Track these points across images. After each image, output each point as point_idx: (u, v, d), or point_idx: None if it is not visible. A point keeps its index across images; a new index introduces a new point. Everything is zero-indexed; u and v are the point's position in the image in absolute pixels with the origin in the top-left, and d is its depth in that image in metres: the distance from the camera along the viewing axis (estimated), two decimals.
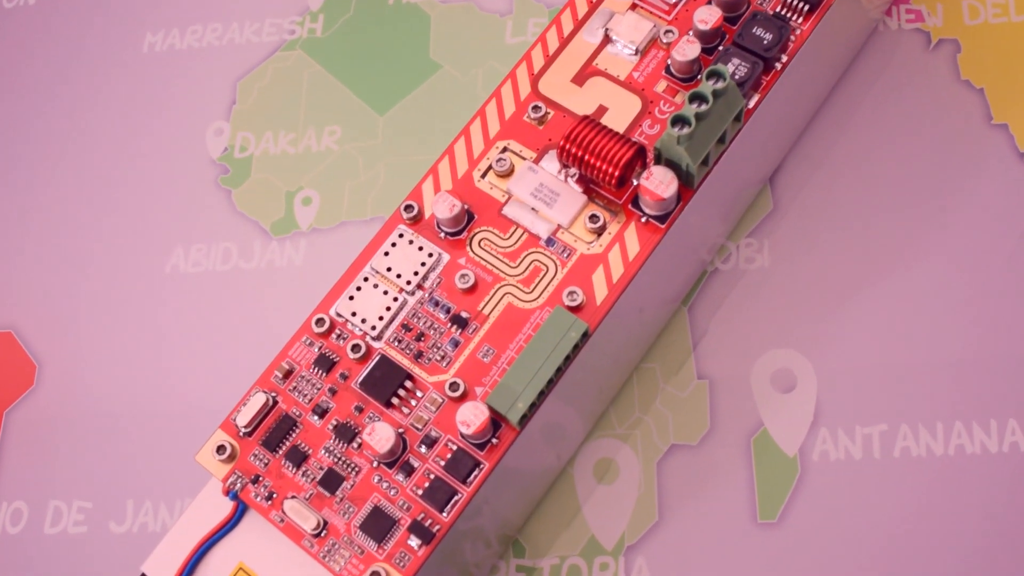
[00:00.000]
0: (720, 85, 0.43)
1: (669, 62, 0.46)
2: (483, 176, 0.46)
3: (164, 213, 0.59)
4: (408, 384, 0.43)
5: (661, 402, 0.52)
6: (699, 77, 0.46)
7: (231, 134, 0.60)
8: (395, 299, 0.44)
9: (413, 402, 0.43)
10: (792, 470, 0.50)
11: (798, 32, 0.46)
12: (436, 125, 0.58)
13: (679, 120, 0.42)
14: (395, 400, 0.43)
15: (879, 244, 0.53)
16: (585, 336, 0.42)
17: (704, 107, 0.42)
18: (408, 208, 0.45)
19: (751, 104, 0.46)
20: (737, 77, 0.45)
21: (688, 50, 0.45)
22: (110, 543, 0.53)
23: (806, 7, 0.47)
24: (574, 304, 0.43)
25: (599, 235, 0.44)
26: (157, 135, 0.61)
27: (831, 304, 0.53)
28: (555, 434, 0.47)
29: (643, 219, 0.44)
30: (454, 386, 0.42)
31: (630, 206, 0.44)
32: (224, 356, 0.55)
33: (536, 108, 0.46)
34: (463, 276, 0.44)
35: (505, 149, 0.46)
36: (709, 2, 0.47)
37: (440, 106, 0.59)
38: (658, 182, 0.43)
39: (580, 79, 0.47)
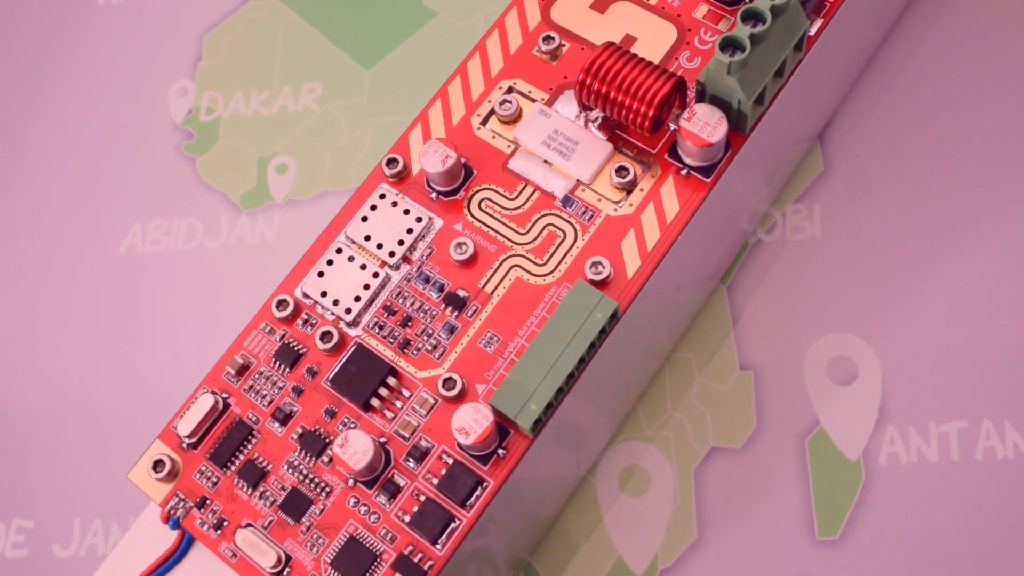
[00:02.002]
0: (780, 1, 0.31)
1: None
2: (484, 123, 0.35)
3: (119, 185, 0.48)
4: (392, 381, 0.32)
5: (698, 397, 0.41)
6: (748, 1, 0.35)
7: (196, 94, 0.49)
8: (375, 275, 0.33)
9: (398, 404, 0.31)
10: (855, 477, 0.39)
11: None
12: (430, 80, 0.47)
13: (730, 44, 0.31)
14: (376, 402, 0.31)
15: (951, 206, 0.42)
16: (614, 318, 0.31)
17: (761, 27, 0.31)
18: (391, 163, 0.34)
19: (812, 30, 0.35)
20: None
21: None
22: (54, 569, 0.42)
23: None
24: (599, 278, 0.32)
25: (628, 192, 0.33)
26: (112, 96, 0.50)
27: (895, 279, 0.42)
28: (574, 438, 0.36)
29: (683, 172, 0.33)
30: (449, 383, 0.31)
31: (666, 156, 0.33)
32: (187, 349, 0.44)
33: (548, 39, 0.35)
34: (460, 245, 0.33)
35: (511, 90, 0.35)
36: None
37: (435, 58, 0.48)
38: (703, 123, 0.32)
39: (601, 4, 0.36)
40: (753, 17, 0.31)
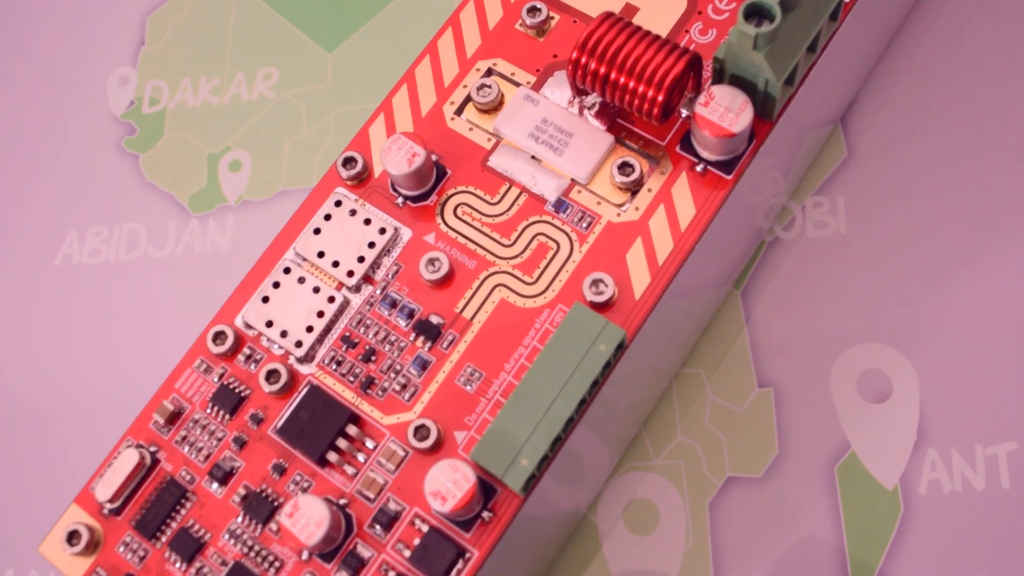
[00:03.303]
0: None
1: None
2: (459, 112, 0.28)
3: (52, 188, 0.41)
4: (353, 430, 0.25)
5: (711, 420, 0.35)
6: None
7: (138, 83, 0.42)
8: (331, 299, 0.26)
9: (361, 457, 0.25)
10: (893, 508, 0.33)
11: None
12: (402, 62, 0.40)
13: (756, 11, 0.25)
14: (334, 455, 0.25)
15: (995, 192, 0.36)
16: (620, 348, 0.25)
17: None
18: (348, 163, 0.28)
19: None
20: None
21: None
22: None
23: None
24: (601, 299, 0.25)
25: (634, 194, 0.26)
26: (43, 88, 0.43)
27: (932, 279, 0.35)
28: (571, 474, 0.30)
29: (699, 167, 0.26)
30: (422, 432, 0.25)
31: (679, 148, 0.27)
32: (131, 376, 0.37)
33: (534, 11, 0.28)
34: (432, 262, 0.26)
35: (490, 72, 0.28)
36: None
37: (407, 37, 0.41)
38: (723, 109, 0.25)
39: None
40: None
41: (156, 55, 0.42)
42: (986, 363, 0.34)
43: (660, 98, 0.25)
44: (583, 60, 0.26)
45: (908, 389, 0.35)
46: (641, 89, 0.25)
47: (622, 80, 0.25)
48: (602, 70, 0.26)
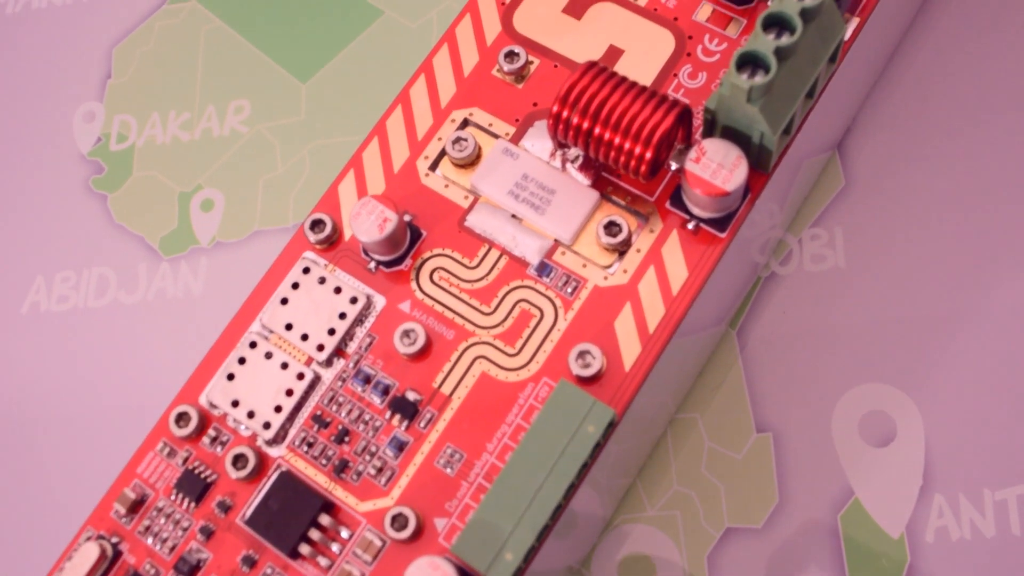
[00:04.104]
0: (812, 1, 0.23)
1: None
2: (433, 167, 0.26)
3: (18, 231, 0.39)
4: (326, 519, 0.23)
5: (708, 468, 0.33)
6: None
7: (105, 119, 0.40)
8: (300, 376, 0.24)
9: (336, 548, 0.23)
10: (899, 557, 0.32)
11: None
12: (378, 94, 0.38)
13: (749, 61, 0.23)
14: (306, 547, 0.23)
15: (999, 223, 0.34)
16: (611, 426, 0.23)
17: (788, 38, 0.23)
18: (316, 226, 0.25)
19: (848, 32, 0.26)
20: None
21: None
22: None
23: None
24: (589, 373, 0.23)
25: (621, 255, 0.24)
26: (6, 123, 0.40)
27: (936, 315, 0.33)
28: (563, 534, 0.28)
29: (690, 225, 0.24)
30: (400, 521, 0.23)
31: (668, 204, 0.25)
32: (101, 439, 0.35)
33: (511, 56, 0.26)
34: (407, 334, 0.24)
35: (466, 123, 0.26)
36: None
37: (383, 67, 0.39)
38: (716, 166, 0.23)
39: (577, 7, 0.27)
40: (777, 24, 0.23)
41: (123, 88, 0.40)
42: (994, 402, 0.32)
43: (648, 155, 0.23)
44: (564, 114, 0.24)
45: (913, 431, 0.33)
46: (627, 145, 0.23)
47: (607, 135, 0.23)
48: (585, 124, 0.23)
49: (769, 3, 0.26)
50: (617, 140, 0.23)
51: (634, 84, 0.24)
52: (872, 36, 0.28)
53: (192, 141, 0.39)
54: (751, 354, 0.34)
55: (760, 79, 0.22)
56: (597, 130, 0.23)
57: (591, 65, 0.24)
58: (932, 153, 0.35)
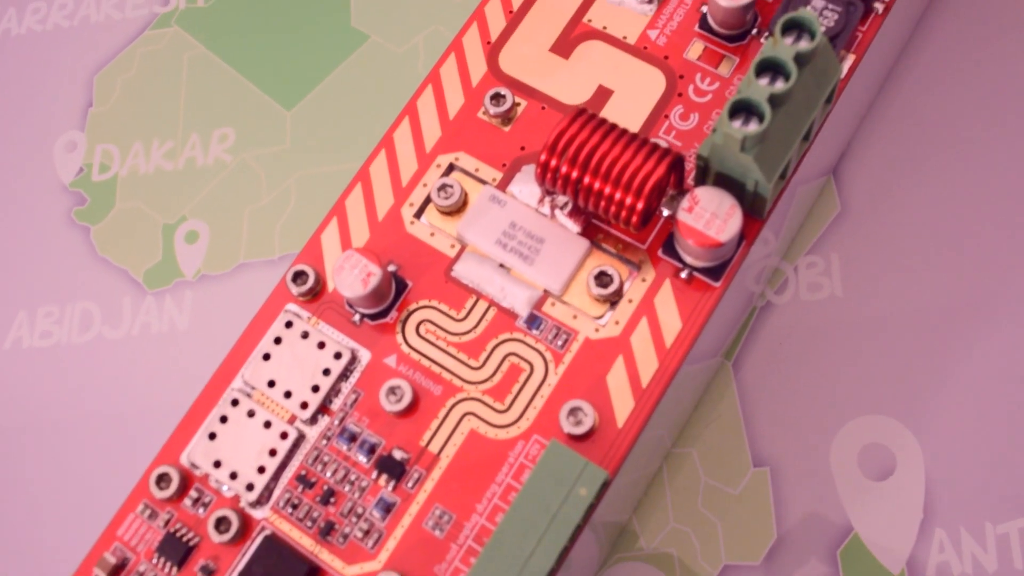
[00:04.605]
0: (807, 45, 0.22)
1: (706, 10, 0.26)
2: (418, 215, 0.25)
3: (0, 265, 0.38)
4: None
5: (705, 504, 0.32)
6: (756, 32, 0.25)
7: (87, 148, 0.39)
8: (284, 435, 0.23)
9: None
10: None
11: None
12: (365, 121, 0.37)
13: (743, 108, 0.22)
14: None
15: (1000, 247, 0.33)
16: (605, 486, 0.22)
17: (783, 84, 0.22)
18: (299, 277, 0.25)
19: (844, 69, 0.25)
20: (824, 29, 0.24)
21: None
22: None
23: None
24: (580, 431, 0.23)
25: (613, 305, 0.24)
26: None
27: (936, 343, 0.33)
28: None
29: (684, 273, 0.24)
30: None
31: (661, 252, 0.24)
32: (89, 476, 0.35)
33: (498, 98, 0.25)
34: (393, 391, 0.23)
35: (451, 167, 0.25)
36: None
37: (369, 93, 0.38)
38: (709, 215, 0.22)
39: (564, 46, 0.26)
40: (771, 69, 0.22)
41: (105, 117, 0.39)
42: (995, 433, 0.32)
43: (639, 206, 0.22)
44: (552, 163, 0.23)
45: (912, 464, 0.32)
46: (618, 196, 0.22)
47: (596, 185, 0.22)
48: (574, 174, 0.23)
49: (763, 41, 0.25)
50: (607, 190, 0.22)
51: (624, 132, 0.23)
52: (868, 69, 0.27)
53: (176, 171, 0.38)
54: (747, 386, 0.33)
55: (754, 128, 0.21)
56: (586, 180, 0.22)
57: (580, 112, 0.23)
58: (929, 175, 0.34)
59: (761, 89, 0.21)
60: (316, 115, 0.38)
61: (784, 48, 0.22)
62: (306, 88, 0.38)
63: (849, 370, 0.33)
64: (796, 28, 0.22)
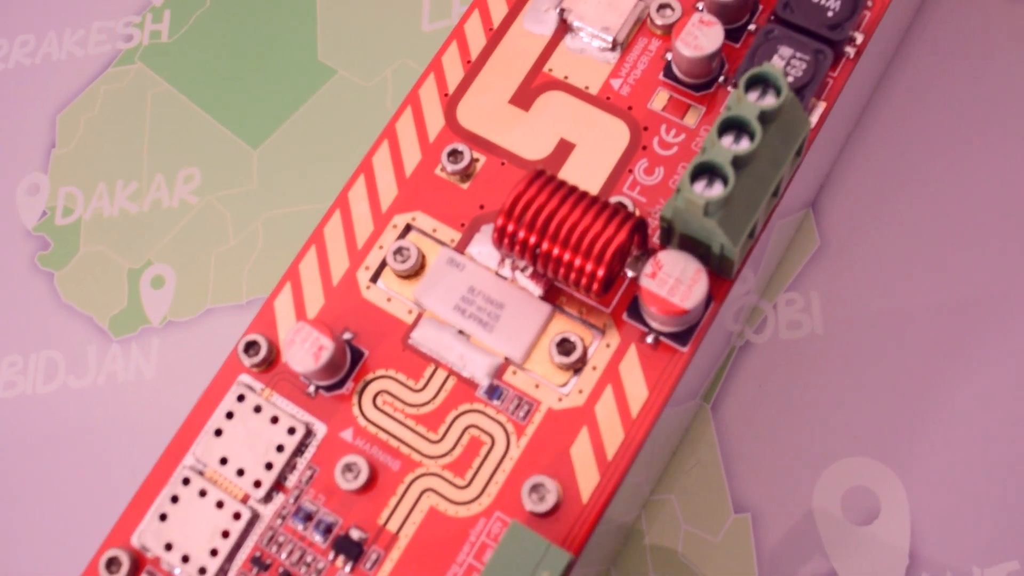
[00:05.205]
0: (772, 102, 0.21)
1: (671, 58, 0.24)
2: (374, 279, 0.24)
3: None
4: None
5: (685, 552, 0.31)
6: (723, 80, 0.24)
7: (51, 191, 0.38)
8: (237, 515, 0.22)
9: None
10: None
11: None
12: (333, 159, 0.36)
13: (705, 171, 0.21)
14: None
15: (986, 282, 0.32)
16: (569, 567, 0.21)
17: (748, 143, 0.21)
18: (251, 348, 0.24)
19: (813, 119, 0.24)
20: (791, 81, 0.23)
21: (703, 36, 0.23)
22: None
23: None
24: (543, 509, 0.21)
25: (577, 372, 0.23)
26: None
27: (920, 382, 0.32)
28: None
29: (649, 338, 0.23)
30: None
31: (625, 316, 0.23)
32: (57, 533, 0.34)
33: (455, 155, 0.24)
34: (349, 468, 0.22)
35: (408, 229, 0.24)
36: None
37: (337, 129, 0.37)
38: (674, 281, 0.21)
39: (525, 97, 0.25)
40: (736, 127, 0.21)
41: (68, 158, 0.38)
42: (981, 475, 0.31)
43: (600, 273, 0.21)
44: (510, 228, 0.22)
45: (897, 507, 0.31)
46: (578, 262, 0.21)
47: (555, 252, 0.21)
48: (532, 239, 0.21)
49: (730, 89, 0.24)
50: (567, 256, 0.21)
51: (584, 194, 0.22)
52: (842, 112, 0.26)
53: (141, 213, 0.37)
54: (726, 429, 0.32)
55: (717, 192, 0.20)
56: (545, 246, 0.21)
57: (538, 174, 0.22)
58: (910, 207, 0.33)
59: (724, 151, 0.20)
60: (283, 153, 0.37)
61: (748, 106, 0.21)
62: (273, 125, 0.37)
63: (831, 411, 0.32)
64: (761, 83, 0.21)
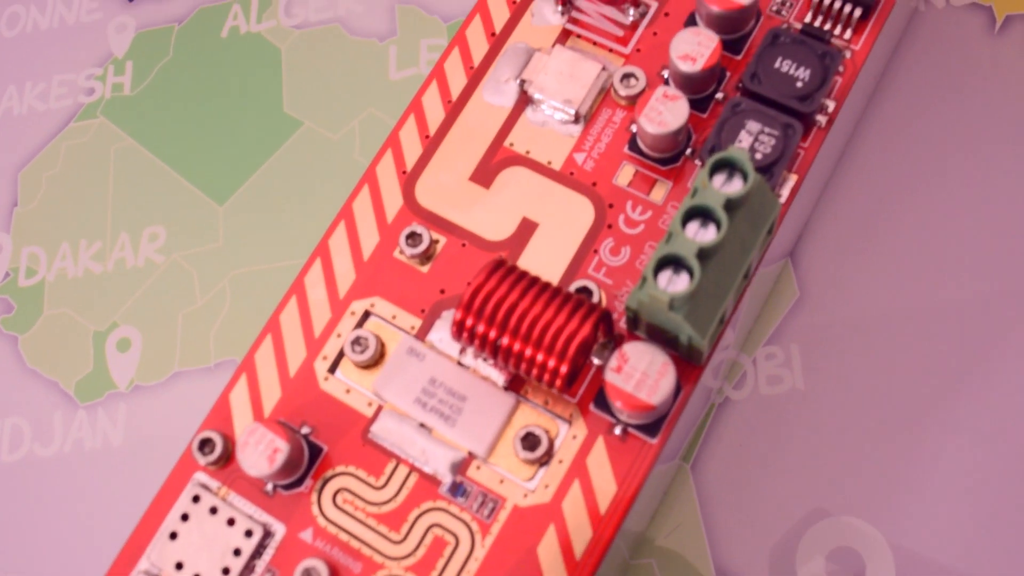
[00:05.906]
0: (738, 187, 0.20)
1: (635, 131, 0.23)
2: (332, 369, 0.23)
3: None
4: None
5: None
6: (691, 153, 0.23)
7: (13, 251, 0.37)
8: None
9: None
10: None
11: (848, 56, 0.24)
12: (300, 214, 0.35)
13: (670, 262, 0.20)
14: None
15: (973, 331, 0.31)
16: None
17: (713, 233, 0.20)
18: (205, 445, 0.23)
19: (784, 194, 0.23)
20: (760, 157, 0.22)
21: (668, 112, 0.22)
22: None
23: (857, 11, 0.23)
24: None
25: (543, 465, 0.22)
26: None
27: (905, 440, 0.31)
28: None
29: (617, 430, 0.22)
30: None
31: (592, 406, 0.22)
32: None
33: (413, 238, 0.23)
34: (308, 572, 0.21)
35: (366, 315, 0.23)
36: (693, 22, 0.24)
37: (305, 183, 0.36)
38: (640, 375, 0.20)
39: (485, 174, 0.24)
40: (700, 216, 0.20)
41: (30, 216, 0.37)
42: (969, 532, 0.30)
43: (563, 369, 0.20)
44: (468, 322, 0.21)
45: (883, 567, 0.30)
46: (540, 358, 0.20)
47: (517, 347, 0.20)
48: (492, 334, 0.21)
49: (697, 163, 0.23)
50: (528, 352, 0.20)
51: (547, 285, 0.21)
52: (814, 179, 0.25)
53: (105, 273, 0.36)
54: (707, 490, 0.31)
55: (682, 287, 0.19)
56: (506, 340, 0.20)
57: (497, 264, 0.21)
58: (889, 259, 0.32)
59: (689, 243, 0.19)
60: (250, 209, 0.36)
61: (713, 193, 0.20)
62: (239, 180, 0.36)
63: (814, 469, 0.31)
64: (727, 166, 0.20)
